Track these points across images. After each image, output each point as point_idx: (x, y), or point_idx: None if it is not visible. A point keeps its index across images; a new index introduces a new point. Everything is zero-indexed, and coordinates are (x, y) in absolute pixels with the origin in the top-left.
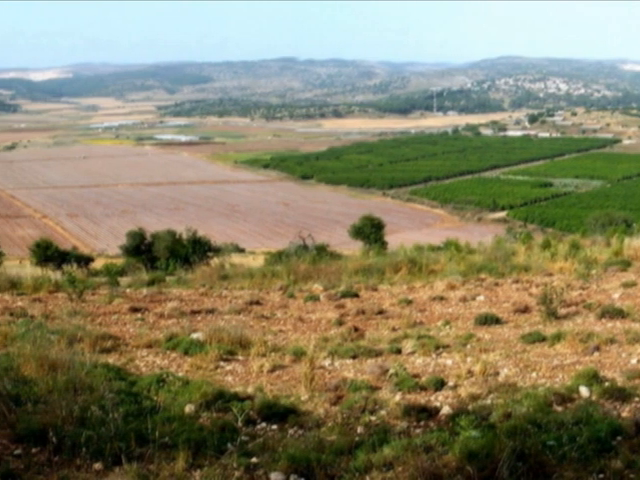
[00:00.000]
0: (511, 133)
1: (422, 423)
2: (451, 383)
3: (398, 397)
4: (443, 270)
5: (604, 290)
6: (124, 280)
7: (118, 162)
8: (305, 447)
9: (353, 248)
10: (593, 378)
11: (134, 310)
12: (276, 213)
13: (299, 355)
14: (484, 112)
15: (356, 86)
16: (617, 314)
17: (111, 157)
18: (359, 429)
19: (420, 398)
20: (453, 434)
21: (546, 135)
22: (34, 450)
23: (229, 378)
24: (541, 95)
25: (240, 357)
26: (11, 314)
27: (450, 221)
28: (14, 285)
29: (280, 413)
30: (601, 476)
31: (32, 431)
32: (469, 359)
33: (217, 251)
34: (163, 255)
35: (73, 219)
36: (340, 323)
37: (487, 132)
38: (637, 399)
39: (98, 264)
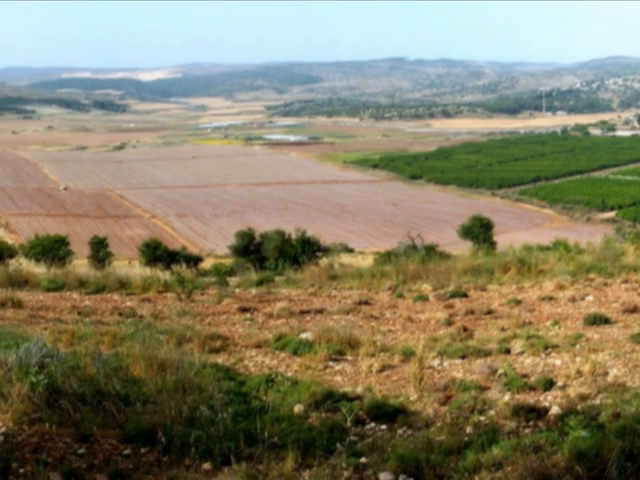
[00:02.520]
0: (620, 133)
1: (531, 423)
2: (560, 383)
3: (507, 397)
4: (552, 270)
5: None
6: (233, 280)
7: (227, 162)
8: (414, 447)
9: (462, 248)
10: None
11: (243, 310)
12: (385, 213)
13: (408, 355)
14: (593, 112)
15: (465, 86)
16: None
17: (220, 157)
18: (468, 429)
19: (529, 398)
20: (562, 434)
21: None
22: (143, 450)
23: (338, 378)
24: None
25: (349, 357)
26: (120, 314)
27: (559, 221)
28: (123, 285)
29: (389, 413)
30: None
31: (141, 431)
32: (578, 359)
33: (326, 251)
34: (272, 255)
35: (182, 219)
36: (449, 323)
37: (596, 132)
38: None
39: (207, 264)
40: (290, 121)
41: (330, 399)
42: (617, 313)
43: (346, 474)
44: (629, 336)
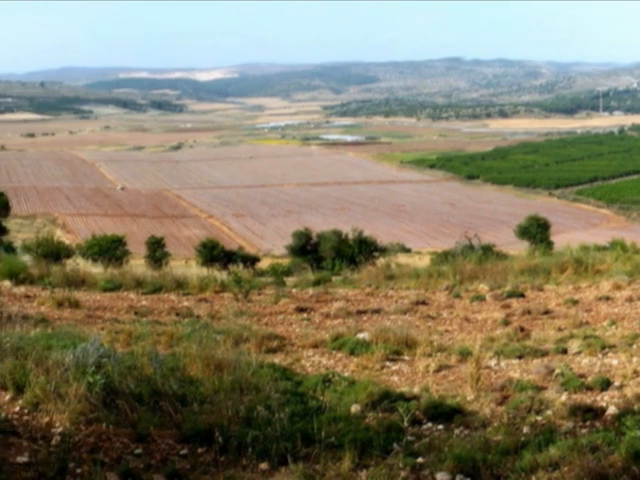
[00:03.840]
0: None
1: (588, 423)
2: (617, 383)
3: (564, 397)
4: (609, 270)
5: None
6: (290, 280)
7: (284, 162)
8: (471, 447)
9: (519, 248)
10: None
11: (300, 310)
12: (442, 213)
13: (465, 355)
14: None
15: (522, 86)
16: None
17: (277, 157)
18: (525, 429)
19: (586, 398)
20: (619, 434)
21: None
22: (200, 450)
23: (395, 378)
24: None
25: (406, 357)
26: (177, 314)
27: (616, 221)
28: (180, 285)
29: (446, 413)
30: None
31: (198, 431)
32: (635, 359)
33: (383, 251)
34: (329, 255)
35: (239, 219)
36: (506, 323)
37: None
38: None
39: (264, 264)
40: (347, 121)
41: (387, 399)
42: None
43: (403, 474)
44: None
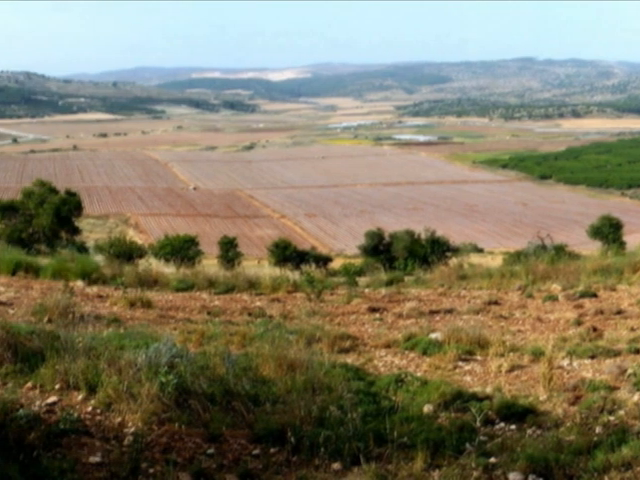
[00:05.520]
0: None
1: None
2: None
3: (636, 397)
4: None
5: None
6: (362, 280)
7: (356, 162)
8: (543, 447)
9: (591, 248)
10: None
11: (372, 310)
12: (514, 213)
13: (537, 355)
14: None
15: (594, 86)
16: None
17: (349, 157)
18: (597, 429)
19: None
20: None
21: None
22: (272, 450)
23: (467, 378)
24: None
25: (478, 357)
26: (249, 314)
27: None
28: (252, 285)
29: (518, 413)
30: None
31: (270, 431)
32: None
33: (455, 251)
34: (401, 255)
35: (311, 219)
36: (578, 323)
37: None
38: None
39: (336, 264)
40: (419, 121)
41: (459, 399)
42: None
43: (475, 474)
44: None
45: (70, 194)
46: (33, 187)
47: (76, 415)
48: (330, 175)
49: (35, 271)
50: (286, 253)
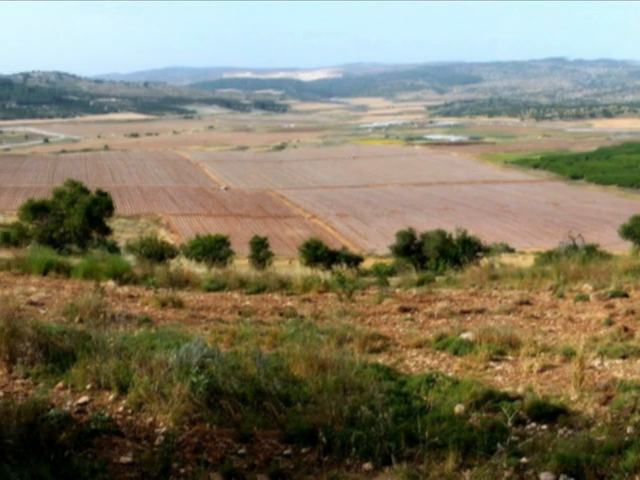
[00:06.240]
0: None
1: None
2: None
3: None
4: None
5: None
6: (394, 280)
7: (388, 162)
8: (575, 447)
9: (623, 248)
10: None
11: (404, 310)
12: (545, 213)
13: (569, 355)
14: None
15: (625, 86)
16: None
17: (380, 157)
18: (629, 429)
19: None
20: None
21: None
22: (304, 450)
23: (499, 378)
24: None
25: (510, 357)
26: (281, 314)
27: None
28: (284, 285)
29: (550, 413)
30: None
31: (302, 431)
32: None
33: (487, 251)
34: (433, 255)
35: (342, 219)
36: (610, 323)
37: None
38: None
39: (367, 264)
40: (450, 121)
41: (491, 399)
42: None
43: (507, 474)
44: None
45: (101, 194)
46: (64, 187)
47: (107, 415)
48: (361, 175)
49: (66, 271)
50: (317, 253)
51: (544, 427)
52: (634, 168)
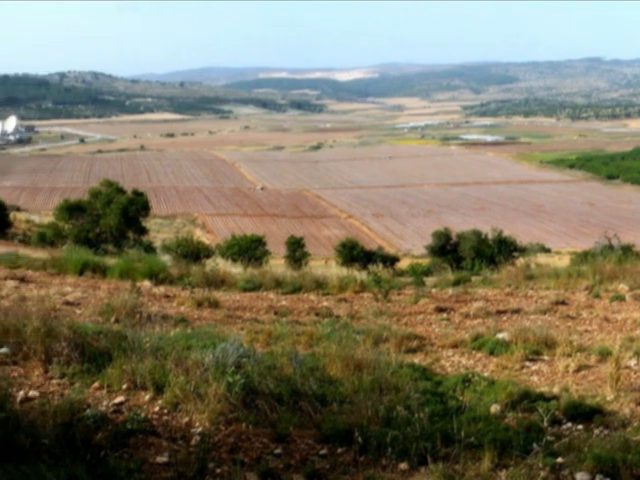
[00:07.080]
0: None
1: None
2: None
3: None
4: None
5: None
6: (430, 280)
7: (423, 162)
8: (611, 447)
9: None
10: None
11: (440, 310)
12: (581, 213)
13: (605, 355)
14: None
15: None
16: None
17: (417, 157)
18: None
19: None
20: None
21: None
22: (340, 450)
23: (534, 378)
24: None
25: (545, 357)
26: (317, 314)
27: None
28: (320, 285)
29: (586, 413)
30: None
31: (338, 431)
32: None
33: (522, 251)
34: (469, 255)
35: (378, 219)
36: None
37: None
38: None
39: (404, 264)
40: (486, 121)
41: (527, 399)
42: None
43: (542, 474)
44: None
45: (137, 194)
46: (100, 187)
47: (143, 415)
48: (397, 175)
49: (102, 271)
50: (353, 253)
51: (580, 427)
52: None
